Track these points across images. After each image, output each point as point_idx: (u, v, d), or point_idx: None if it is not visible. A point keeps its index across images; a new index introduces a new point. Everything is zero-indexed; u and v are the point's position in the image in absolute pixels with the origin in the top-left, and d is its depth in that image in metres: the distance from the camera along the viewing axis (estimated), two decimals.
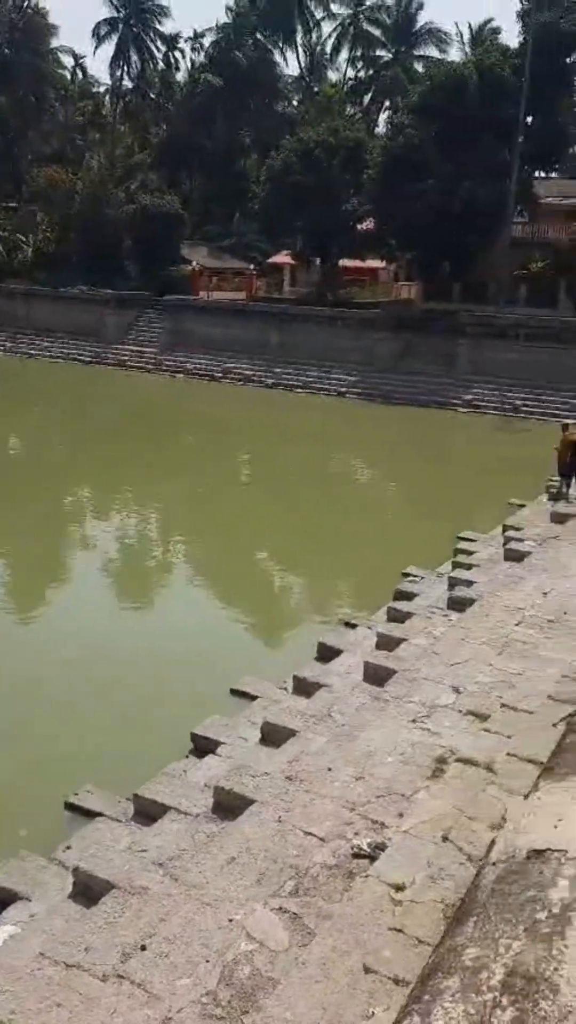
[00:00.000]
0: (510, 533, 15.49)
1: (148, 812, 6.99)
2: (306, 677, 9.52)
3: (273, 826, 5.81)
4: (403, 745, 6.94)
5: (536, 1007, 1.27)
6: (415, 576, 14.26)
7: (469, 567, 13.95)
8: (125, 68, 64.67)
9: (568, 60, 39.90)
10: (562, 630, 9.75)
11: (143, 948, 4.78)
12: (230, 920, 4.91)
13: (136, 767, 7.90)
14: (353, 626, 11.97)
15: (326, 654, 10.62)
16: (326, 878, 5.23)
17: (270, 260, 53.84)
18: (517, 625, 9.99)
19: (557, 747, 2.05)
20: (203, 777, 7.52)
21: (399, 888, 4.84)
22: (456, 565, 14.50)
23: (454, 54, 56.48)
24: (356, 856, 5.43)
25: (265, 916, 4.87)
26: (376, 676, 8.89)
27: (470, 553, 15.14)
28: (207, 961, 4.58)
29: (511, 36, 46.95)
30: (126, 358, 44.52)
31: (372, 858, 5.33)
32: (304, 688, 9.31)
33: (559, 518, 16.05)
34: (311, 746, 7.32)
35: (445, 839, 5.26)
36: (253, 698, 9.49)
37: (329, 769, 6.56)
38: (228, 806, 6.47)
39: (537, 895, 1.51)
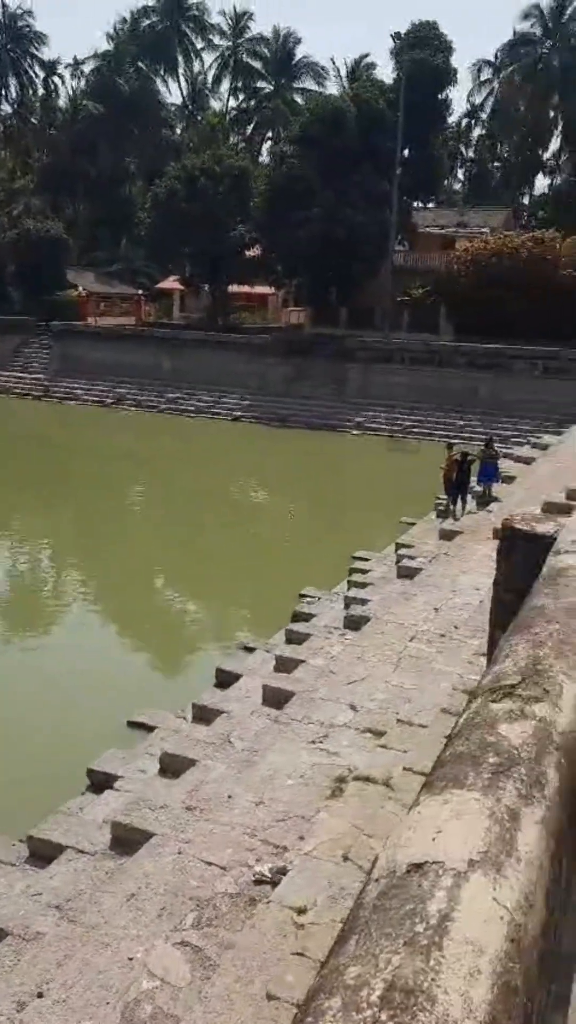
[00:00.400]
0: (402, 551, 15.84)
1: (43, 853, 6.75)
2: (205, 704, 9.44)
3: (173, 858, 5.72)
4: (303, 767, 6.96)
5: (414, 1019, 1.29)
6: (312, 597, 14.39)
7: (364, 586, 14.18)
8: (4, 93, 63.65)
9: (439, 96, 41.75)
10: (453, 644, 10.02)
11: (40, 995, 4.61)
12: (130, 959, 4.79)
13: (31, 807, 7.62)
14: (251, 650, 11.96)
15: (225, 679, 10.57)
16: (228, 907, 5.18)
17: (159, 285, 53.75)
18: (411, 641, 10.21)
19: (437, 761, 2.12)
20: (101, 813, 7.33)
21: (301, 911, 4.85)
22: (351, 584, 14.71)
23: (332, 88, 58.09)
24: (258, 882, 5.40)
25: (166, 951, 4.78)
26: (275, 699, 8.90)
27: (365, 572, 15.40)
28: (107, 1003, 4.45)
29: (386, 72, 49.09)
30: (12, 385, 43.40)
31: (274, 883, 5.32)
32: (203, 715, 9.23)
33: (447, 535, 16.51)
34: (211, 774, 7.26)
35: (345, 858, 5.31)
36: (151, 729, 9.34)
37: (229, 796, 6.51)
38: (127, 841, 6.32)
39: (416, 908, 1.54)
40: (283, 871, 5.42)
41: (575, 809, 2.16)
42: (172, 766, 7.88)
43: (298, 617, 13.12)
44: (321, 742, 7.45)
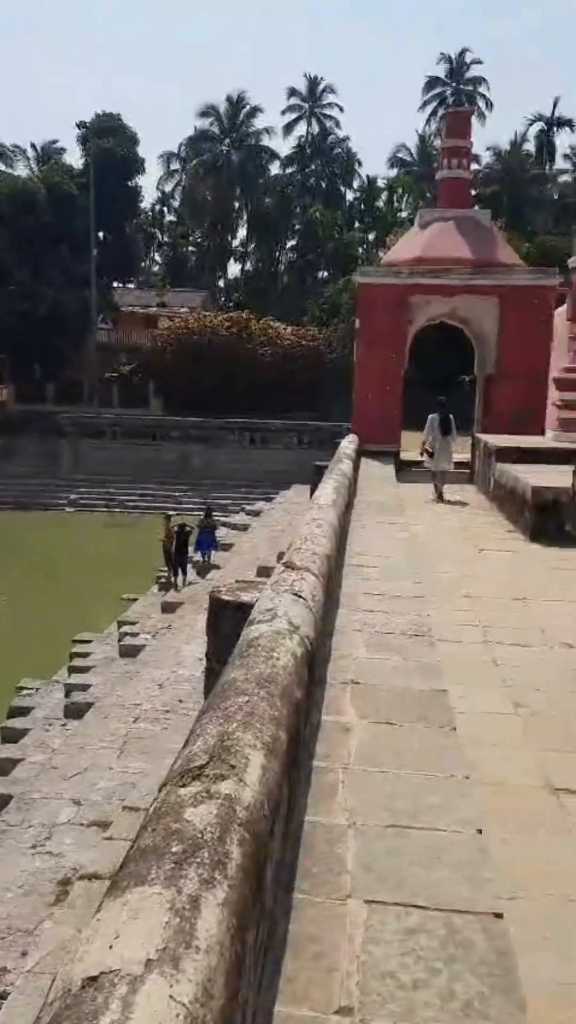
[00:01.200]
0: (125, 628, 15.65)
1: None
2: None
3: None
4: (23, 876, 6.51)
5: None
6: (30, 688, 13.64)
7: (85, 669, 13.75)
8: None
9: (129, 183, 43.30)
10: (179, 719, 10.00)
11: None
12: None
13: None
14: None
15: None
16: None
17: None
18: (135, 722, 10.05)
19: (124, 859, 2.09)
20: None
21: None
22: (72, 670, 14.20)
23: (21, 169, 57.81)
24: None
25: None
26: None
27: (86, 655, 14.94)
28: None
29: (75, 158, 49.75)
30: None
31: None
32: None
33: (169, 607, 16.61)
34: None
35: None
36: None
37: None
38: None
39: None
40: (3, 996, 4.98)
41: (261, 876, 2.23)
42: None
43: (15, 712, 12.36)
44: (43, 845, 7.03)
